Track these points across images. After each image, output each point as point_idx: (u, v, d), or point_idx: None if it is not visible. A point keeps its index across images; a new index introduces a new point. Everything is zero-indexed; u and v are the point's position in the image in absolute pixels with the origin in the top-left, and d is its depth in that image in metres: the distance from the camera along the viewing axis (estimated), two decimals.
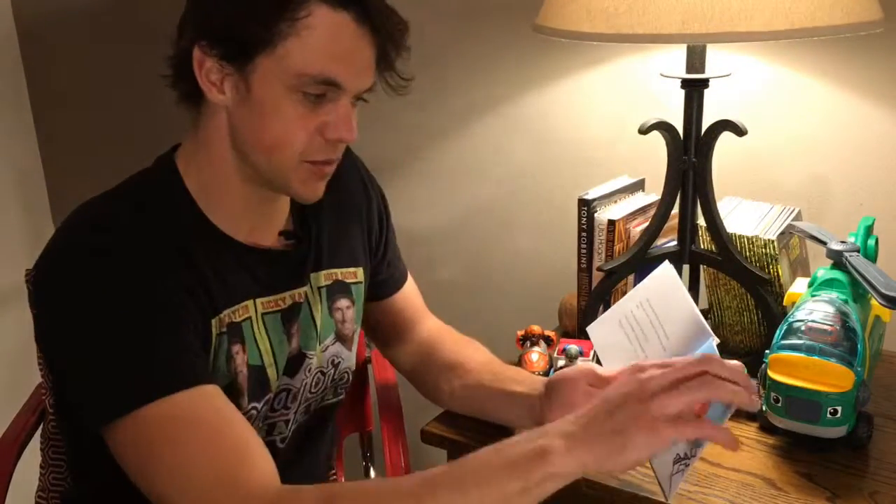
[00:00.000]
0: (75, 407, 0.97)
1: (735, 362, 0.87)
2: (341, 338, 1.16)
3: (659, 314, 0.99)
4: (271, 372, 1.05)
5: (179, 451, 0.88)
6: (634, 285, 1.39)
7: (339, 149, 1.00)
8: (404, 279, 1.29)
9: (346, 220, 1.17)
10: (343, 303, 1.15)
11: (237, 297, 1.02)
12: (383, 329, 1.29)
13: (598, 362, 1.09)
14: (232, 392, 1.00)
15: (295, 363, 1.09)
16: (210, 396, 0.92)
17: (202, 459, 0.88)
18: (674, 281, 1.00)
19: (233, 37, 0.93)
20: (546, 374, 1.28)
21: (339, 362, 1.16)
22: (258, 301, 1.04)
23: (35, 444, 1.37)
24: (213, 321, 0.98)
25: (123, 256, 0.92)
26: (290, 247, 1.09)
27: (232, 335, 1.01)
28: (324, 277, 1.13)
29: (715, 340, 0.94)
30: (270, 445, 1.09)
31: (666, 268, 1.01)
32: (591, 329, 1.05)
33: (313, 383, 1.13)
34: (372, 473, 1.55)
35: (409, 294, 1.29)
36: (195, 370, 0.92)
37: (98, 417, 0.91)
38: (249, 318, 1.03)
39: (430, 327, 1.29)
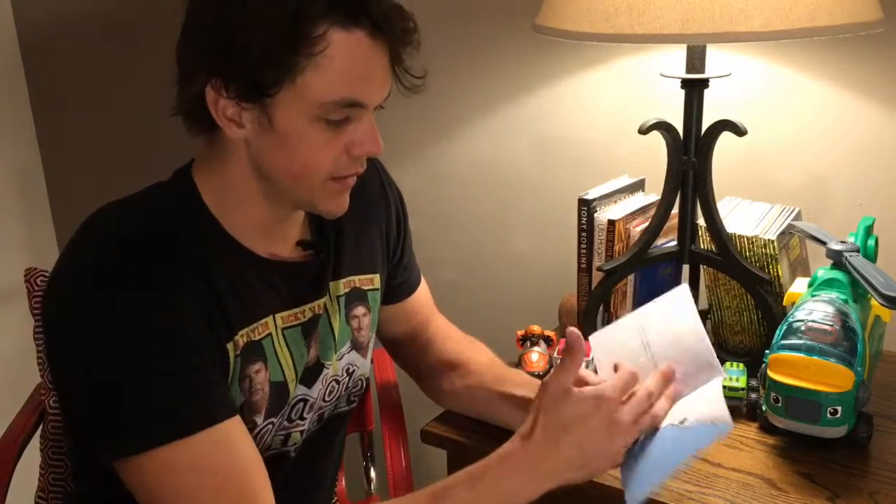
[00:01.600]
0: (83, 430, 0.95)
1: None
2: (357, 345, 1.15)
3: (665, 343, 0.98)
4: (292, 387, 1.04)
5: (185, 498, 0.88)
6: (635, 285, 1.40)
7: (364, 161, 0.99)
8: (418, 282, 1.28)
9: (366, 226, 1.15)
10: (360, 310, 1.14)
11: (257, 314, 1.00)
12: (393, 330, 1.28)
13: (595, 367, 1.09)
14: (248, 410, 0.99)
15: (312, 373, 1.08)
16: (223, 436, 0.90)
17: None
18: (687, 307, 0.98)
19: (250, 78, 0.89)
20: (546, 374, 1.28)
21: (354, 370, 1.15)
22: (278, 316, 1.03)
23: (35, 444, 1.37)
24: (229, 345, 0.96)
25: (139, 286, 0.90)
26: (309, 257, 1.07)
27: (251, 354, 0.99)
28: (343, 286, 1.11)
29: (722, 377, 0.97)
30: (283, 456, 1.08)
31: (682, 291, 1.00)
32: (593, 339, 1.04)
33: (327, 392, 1.11)
34: (372, 473, 1.55)
35: (422, 297, 1.28)
36: (210, 408, 0.91)
37: (106, 453, 0.91)
38: (270, 334, 1.02)
39: (437, 325, 1.28)
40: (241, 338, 0.98)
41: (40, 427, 1.38)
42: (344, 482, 1.52)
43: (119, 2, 2.09)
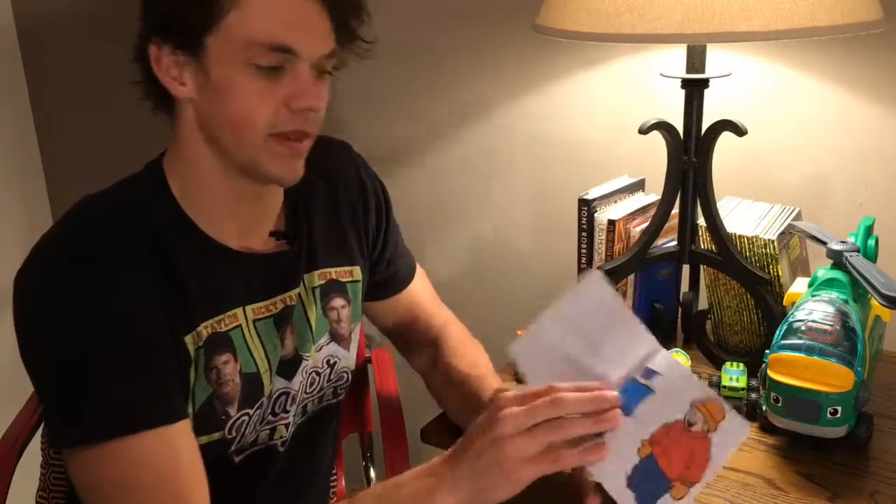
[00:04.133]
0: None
1: (601, 393, 0.83)
2: (336, 337, 1.14)
3: (594, 340, 0.88)
4: (266, 378, 1.04)
5: (120, 495, 0.89)
6: (635, 285, 1.40)
7: (311, 121, 0.96)
8: (410, 276, 1.26)
9: (341, 218, 1.15)
10: (338, 302, 1.14)
11: (224, 306, 1.00)
12: (397, 327, 1.27)
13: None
14: (218, 401, 0.99)
15: (292, 366, 1.08)
16: (166, 438, 0.90)
17: None
18: (605, 295, 0.88)
19: (178, 24, 0.92)
20: None
21: (336, 362, 1.15)
22: (248, 308, 1.03)
23: (35, 444, 1.37)
24: (188, 337, 0.96)
25: (96, 276, 0.91)
26: (282, 247, 1.07)
27: (217, 346, 0.99)
28: (317, 277, 1.11)
29: (664, 356, 0.87)
30: (271, 450, 1.08)
31: (594, 280, 0.89)
32: (515, 351, 0.90)
33: (308, 384, 1.11)
34: (372, 473, 1.55)
35: (417, 291, 1.26)
36: (154, 410, 0.91)
37: (52, 440, 0.92)
38: (239, 326, 1.02)
39: (439, 325, 1.26)
40: (205, 329, 0.98)
41: (40, 426, 1.38)
42: (344, 482, 1.52)
43: (119, 1, 2.09)
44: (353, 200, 1.16)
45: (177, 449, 0.91)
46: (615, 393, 0.84)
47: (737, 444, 0.86)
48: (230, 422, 1.01)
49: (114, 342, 0.90)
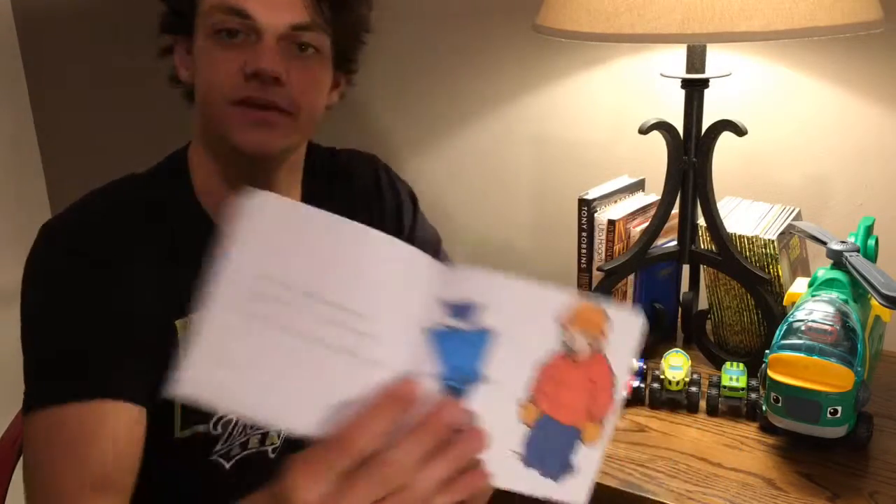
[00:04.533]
0: None
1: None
2: None
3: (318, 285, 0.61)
4: None
5: (40, 460, 0.90)
6: (635, 285, 1.40)
7: (276, 92, 0.93)
8: None
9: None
10: None
11: None
12: None
13: None
14: None
15: None
16: (121, 414, 0.89)
17: (52, 477, 0.89)
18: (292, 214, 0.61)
19: (172, 11, 0.99)
20: None
21: None
22: None
23: None
24: (179, 322, 0.97)
25: (99, 273, 0.92)
26: None
27: None
28: None
29: (468, 276, 0.62)
30: (262, 456, 1.08)
31: (259, 200, 0.61)
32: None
33: None
34: None
35: None
36: (126, 385, 0.91)
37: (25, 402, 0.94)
38: None
39: None
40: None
41: None
42: None
43: None
44: (367, 206, 1.17)
45: (129, 427, 0.91)
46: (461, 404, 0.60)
47: (635, 338, 0.65)
48: (216, 415, 1.01)
49: (112, 331, 0.91)
